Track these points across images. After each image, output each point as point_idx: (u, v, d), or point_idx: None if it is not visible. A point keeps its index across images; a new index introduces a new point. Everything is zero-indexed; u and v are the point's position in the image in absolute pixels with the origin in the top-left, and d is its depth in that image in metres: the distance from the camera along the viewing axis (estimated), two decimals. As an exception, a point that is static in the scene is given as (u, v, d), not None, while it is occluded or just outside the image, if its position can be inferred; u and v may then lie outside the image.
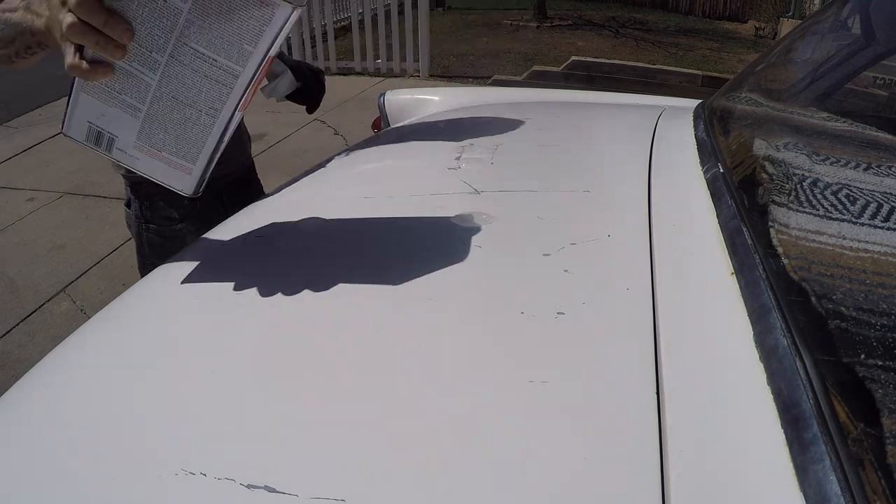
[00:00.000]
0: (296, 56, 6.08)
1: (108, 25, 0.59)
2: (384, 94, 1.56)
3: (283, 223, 0.80)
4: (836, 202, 0.60)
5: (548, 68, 5.96)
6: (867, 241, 0.53)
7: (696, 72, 5.92)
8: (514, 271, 0.64)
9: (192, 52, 0.56)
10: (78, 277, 2.76)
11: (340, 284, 0.65)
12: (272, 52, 0.56)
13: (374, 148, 1.15)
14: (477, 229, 0.74)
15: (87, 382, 0.56)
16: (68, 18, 0.58)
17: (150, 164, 0.62)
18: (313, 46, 6.14)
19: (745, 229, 0.63)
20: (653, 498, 0.38)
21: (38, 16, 0.64)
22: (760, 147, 0.82)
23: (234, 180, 1.21)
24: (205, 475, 0.42)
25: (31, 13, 0.65)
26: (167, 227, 1.15)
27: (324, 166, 1.06)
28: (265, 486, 0.41)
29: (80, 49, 0.60)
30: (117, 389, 0.54)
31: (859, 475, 0.35)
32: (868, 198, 0.59)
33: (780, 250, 0.57)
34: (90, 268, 2.83)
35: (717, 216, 0.69)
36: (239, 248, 0.76)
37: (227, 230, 0.83)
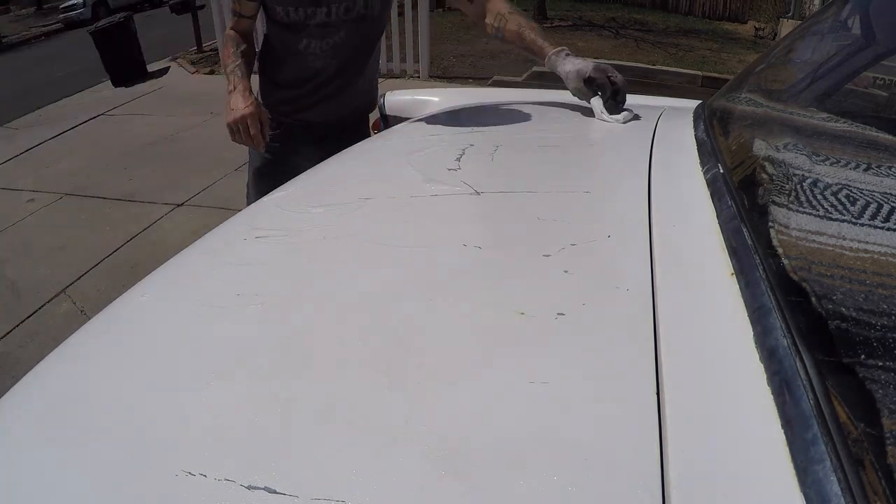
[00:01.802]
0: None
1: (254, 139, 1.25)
2: (384, 95, 1.57)
3: (283, 224, 0.80)
4: (836, 202, 0.60)
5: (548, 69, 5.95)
6: (867, 242, 0.53)
7: (695, 72, 5.92)
8: (514, 272, 0.64)
9: None
10: (78, 278, 2.76)
11: (340, 285, 0.65)
12: None
13: (374, 149, 1.15)
14: (477, 230, 0.74)
15: (88, 383, 0.56)
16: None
17: None
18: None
19: (745, 230, 0.63)
20: (653, 498, 0.38)
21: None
22: (760, 147, 0.82)
23: (345, 127, 1.50)
24: (205, 476, 0.42)
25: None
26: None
27: (324, 167, 1.06)
28: (265, 486, 0.41)
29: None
30: (117, 390, 0.54)
31: (860, 475, 0.35)
32: (868, 198, 0.59)
33: (780, 251, 0.57)
34: (90, 269, 2.83)
35: (718, 217, 0.69)
36: (238, 248, 0.76)
37: (227, 230, 0.83)
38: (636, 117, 1.14)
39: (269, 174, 1.49)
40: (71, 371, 0.59)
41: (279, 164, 1.50)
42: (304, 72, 1.42)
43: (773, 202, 0.65)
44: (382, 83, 5.66)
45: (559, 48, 1.24)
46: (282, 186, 0.99)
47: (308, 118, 1.48)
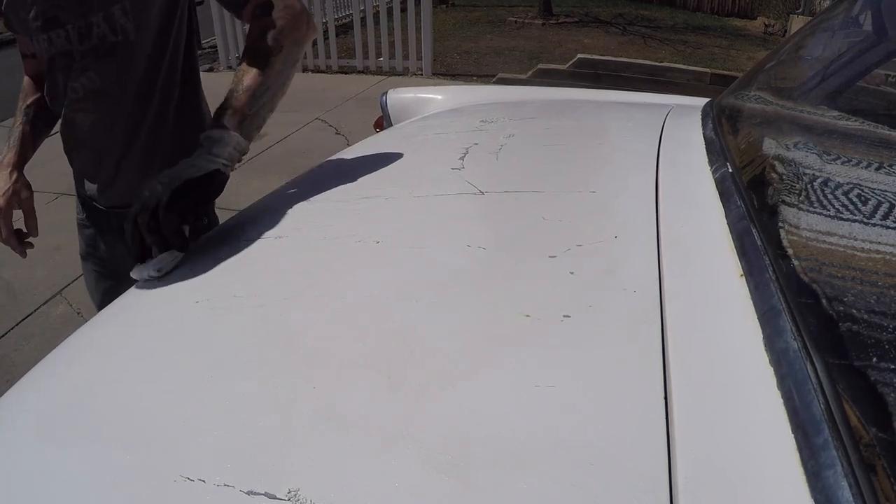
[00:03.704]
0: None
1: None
2: (386, 92, 1.56)
3: (284, 223, 0.80)
4: (847, 202, 0.59)
5: (553, 66, 5.95)
6: (879, 242, 0.52)
7: (704, 70, 5.90)
8: (519, 273, 0.63)
9: None
10: (75, 280, 2.75)
11: (341, 286, 0.64)
12: None
13: (375, 148, 1.14)
14: (481, 230, 0.73)
15: (84, 386, 0.56)
16: None
17: None
18: (314, 45, 6.13)
19: (754, 230, 0.62)
20: (660, 502, 0.38)
21: None
22: (770, 146, 0.81)
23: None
24: (203, 481, 0.42)
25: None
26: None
27: (325, 166, 1.06)
28: (265, 492, 0.40)
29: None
30: (114, 394, 0.53)
31: (871, 481, 0.35)
32: (880, 198, 0.58)
33: (790, 252, 0.56)
34: (90, 269, 2.83)
35: (726, 217, 0.69)
36: (237, 248, 0.76)
37: (225, 231, 0.83)
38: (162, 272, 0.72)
39: (93, 270, 1.16)
40: (69, 372, 0.59)
41: (96, 255, 1.16)
42: (69, 128, 1.04)
43: (783, 202, 0.64)
44: (384, 81, 5.67)
45: (221, 127, 0.79)
46: (282, 186, 0.99)
47: (96, 200, 1.11)
